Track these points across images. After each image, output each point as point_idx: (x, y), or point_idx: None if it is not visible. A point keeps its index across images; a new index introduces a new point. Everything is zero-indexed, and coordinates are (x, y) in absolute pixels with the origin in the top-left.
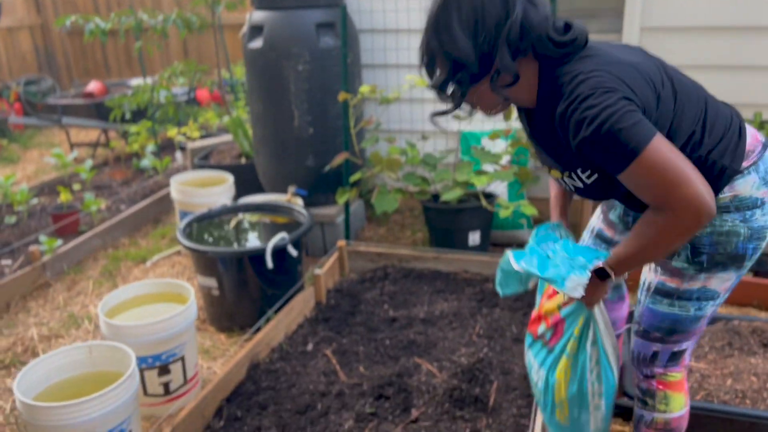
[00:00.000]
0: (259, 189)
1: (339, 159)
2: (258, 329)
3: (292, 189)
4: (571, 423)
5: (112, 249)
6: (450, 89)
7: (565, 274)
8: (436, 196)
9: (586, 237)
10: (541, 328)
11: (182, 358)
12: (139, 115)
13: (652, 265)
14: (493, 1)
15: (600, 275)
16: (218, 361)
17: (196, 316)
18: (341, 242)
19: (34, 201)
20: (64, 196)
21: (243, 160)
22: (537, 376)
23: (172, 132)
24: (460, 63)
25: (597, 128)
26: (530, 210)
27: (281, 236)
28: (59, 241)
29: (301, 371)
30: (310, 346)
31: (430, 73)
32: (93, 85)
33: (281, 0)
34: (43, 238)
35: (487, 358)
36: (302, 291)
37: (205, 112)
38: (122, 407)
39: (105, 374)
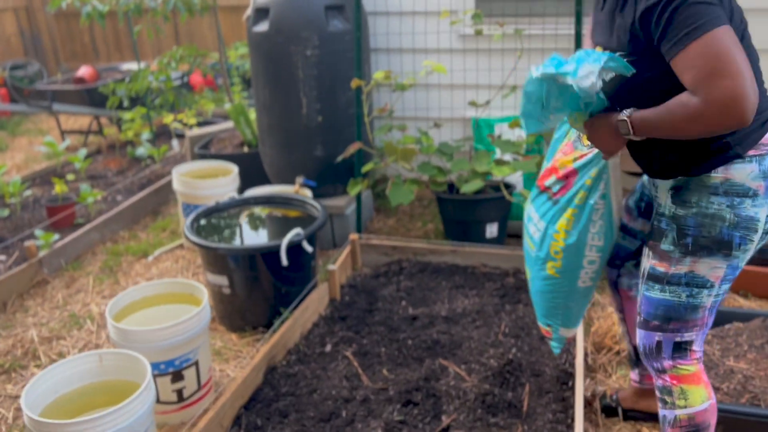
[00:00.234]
0: (263, 179)
1: (352, 149)
2: (271, 328)
3: (300, 180)
4: (561, 275)
5: (111, 243)
6: None
7: (579, 63)
8: (450, 186)
9: None
10: (551, 180)
11: (196, 363)
12: (132, 101)
13: (646, 250)
14: None
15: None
16: (231, 363)
17: (210, 319)
18: (354, 235)
19: (28, 192)
20: (59, 188)
21: (246, 149)
22: (535, 228)
23: (168, 119)
24: None
25: None
26: None
27: (296, 232)
28: (56, 236)
29: (322, 375)
30: (328, 347)
31: None
32: (84, 70)
33: None
34: (39, 232)
35: (516, 360)
36: (316, 288)
37: (200, 98)
38: (138, 422)
39: (117, 384)
